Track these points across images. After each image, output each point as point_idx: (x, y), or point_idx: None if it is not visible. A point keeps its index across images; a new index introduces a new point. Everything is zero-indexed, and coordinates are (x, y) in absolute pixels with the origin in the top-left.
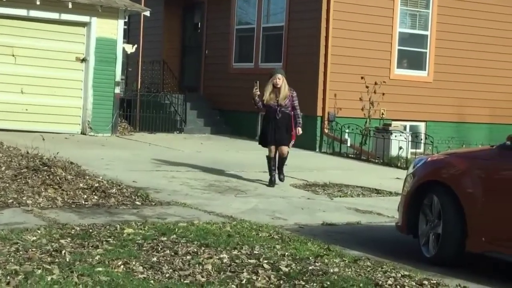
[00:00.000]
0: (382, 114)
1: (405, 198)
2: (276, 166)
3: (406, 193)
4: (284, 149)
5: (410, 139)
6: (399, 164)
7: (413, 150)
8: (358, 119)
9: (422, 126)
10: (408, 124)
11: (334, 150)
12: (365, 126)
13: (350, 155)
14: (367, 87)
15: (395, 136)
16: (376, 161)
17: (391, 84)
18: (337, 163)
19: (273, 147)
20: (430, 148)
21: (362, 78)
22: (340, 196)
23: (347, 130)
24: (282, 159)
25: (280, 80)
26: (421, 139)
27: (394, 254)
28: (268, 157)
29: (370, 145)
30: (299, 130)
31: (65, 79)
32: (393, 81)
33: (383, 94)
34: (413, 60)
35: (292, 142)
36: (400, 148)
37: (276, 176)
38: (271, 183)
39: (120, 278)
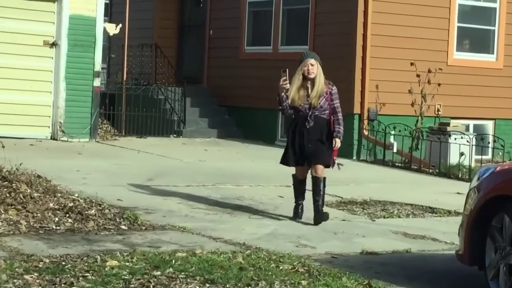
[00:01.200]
0: (438, 110)
1: (467, 218)
2: (303, 193)
3: (469, 212)
4: (319, 169)
5: (474, 143)
6: (460, 175)
7: (478, 157)
8: (407, 117)
9: (489, 126)
10: (471, 123)
11: (376, 157)
12: (416, 127)
13: (396, 164)
14: (418, 75)
15: (455, 138)
16: (431, 171)
17: (449, 71)
18: (380, 174)
19: (301, 168)
20: (500, 154)
21: (412, 64)
22: (384, 217)
23: (392, 132)
24: (317, 183)
25: (314, 67)
26: (489, 143)
27: None
28: (295, 178)
29: (423, 151)
30: (337, 143)
31: (30, 69)
32: (451, 67)
33: (439, 84)
34: (477, 41)
35: (335, 161)
36: (462, 154)
37: (305, 207)
38: (296, 215)
39: None
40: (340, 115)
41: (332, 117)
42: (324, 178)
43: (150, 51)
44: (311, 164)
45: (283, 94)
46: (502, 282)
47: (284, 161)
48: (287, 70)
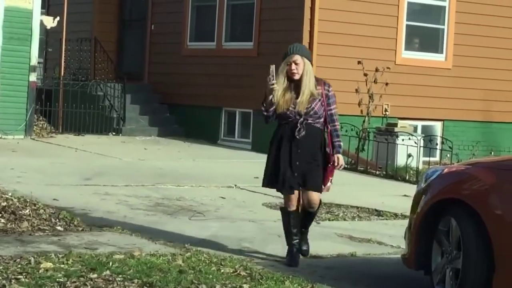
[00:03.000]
0: (386, 110)
1: (414, 222)
2: (298, 228)
3: (416, 215)
4: (314, 196)
5: (422, 144)
6: (407, 177)
7: (426, 159)
8: (353, 117)
9: (438, 127)
10: (419, 124)
11: None
12: (363, 127)
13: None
14: (365, 74)
15: (403, 140)
16: (378, 172)
17: (397, 71)
18: None
19: (292, 195)
20: (448, 156)
21: (359, 63)
22: (329, 220)
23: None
24: (309, 214)
25: (299, 66)
26: (437, 144)
27: None
28: (285, 212)
29: (370, 152)
30: (340, 160)
31: None
32: (399, 67)
33: (387, 84)
34: (426, 40)
35: (329, 184)
36: (409, 155)
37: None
38: (292, 259)
39: None
40: (338, 124)
41: (328, 127)
42: (320, 203)
43: (89, 45)
44: (303, 188)
45: (271, 97)
46: (448, 287)
47: (268, 182)
48: (274, 66)
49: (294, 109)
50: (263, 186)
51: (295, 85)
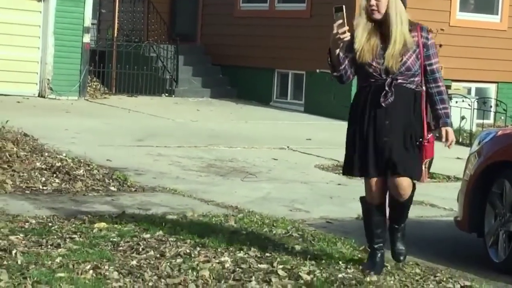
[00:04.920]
0: None
1: (467, 184)
2: (381, 228)
3: (469, 178)
4: (403, 183)
5: (476, 106)
6: (460, 140)
7: (480, 121)
8: None
9: (492, 89)
10: (473, 86)
11: None
12: None
13: None
14: None
15: (456, 102)
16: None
17: (451, 32)
18: None
19: (374, 181)
20: (502, 118)
21: None
22: None
23: None
24: (399, 206)
25: (381, 2)
26: (491, 106)
27: (451, 258)
28: (366, 205)
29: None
30: (449, 134)
31: (17, 23)
32: (454, 28)
33: (440, 45)
34: (481, 1)
35: (425, 165)
36: (463, 118)
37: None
38: (373, 265)
39: (88, 287)
40: (442, 85)
41: (427, 87)
42: (411, 197)
43: (142, 6)
44: (388, 173)
45: (337, 50)
46: (501, 249)
47: (348, 168)
48: (344, 7)
49: (380, 65)
50: (343, 173)
51: (383, 27)
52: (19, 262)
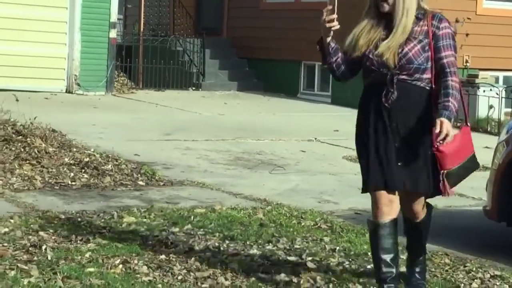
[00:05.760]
0: (466, 62)
1: (495, 173)
2: (392, 254)
3: (498, 167)
4: (416, 203)
5: (504, 95)
6: (489, 129)
7: (508, 110)
8: None
9: None
10: (501, 74)
11: None
12: None
13: None
14: None
15: (484, 91)
16: (458, 124)
17: (478, 21)
18: None
19: (384, 195)
20: None
21: None
22: None
23: None
24: (414, 228)
25: None
26: None
27: (481, 248)
28: (372, 226)
29: None
30: (444, 125)
31: (44, 20)
32: (480, 17)
33: (467, 35)
34: None
35: (443, 176)
36: (491, 107)
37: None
38: None
39: (118, 281)
40: (453, 79)
41: (438, 83)
42: (429, 217)
43: (168, 1)
44: (405, 188)
45: (329, 39)
46: None
47: (365, 183)
48: None
49: (378, 57)
50: (362, 191)
51: (387, 24)
52: (49, 258)
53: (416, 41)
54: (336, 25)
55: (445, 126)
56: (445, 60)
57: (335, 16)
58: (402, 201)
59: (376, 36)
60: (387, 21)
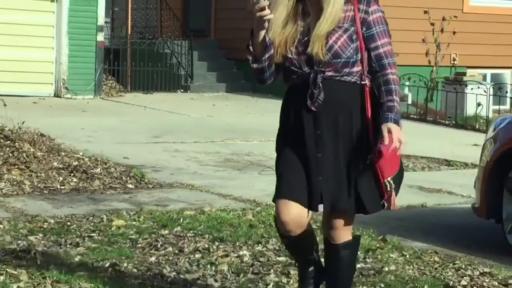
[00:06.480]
0: (454, 60)
1: (484, 171)
2: (308, 252)
3: (486, 164)
4: (338, 224)
5: (491, 93)
6: (477, 126)
7: (496, 107)
8: (421, 67)
9: (507, 75)
10: (488, 72)
11: None
12: (431, 77)
13: (411, 116)
14: (432, 24)
15: (472, 88)
16: (447, 122)
17: (464, 19)
18: None
19: (294, 211)
20: None
21: (425, 12)
22: None
23: (406, 83)
24: (334, 255)
25: None
26: (507, 92)
27: (470, 245)
28: (282, 240)
29: (439, 102)
30: (393, 132)
31: (31, 24)
32: (467, 15)
33: (454, 33)
34: None
35: (386, 186)
36: (479, 104)
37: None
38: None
39: (107, 284)
40: (391, 72)
41: (373, 79)
42: (354, 249)
43: (155, 3)
44: (326, 204)
45: (262, 32)
46: None
47: (276, 192)
48: None
49: (299, 55)
50: (273, 200)
51: (306, 10)
52: (38, 262)
53: (342, 30)
54: (268, 13)
55: (394, 133)
56: (381, 50)
57: (266, 3)
58: (324, 220)
59: (293, 31)
60: (303, 7)
